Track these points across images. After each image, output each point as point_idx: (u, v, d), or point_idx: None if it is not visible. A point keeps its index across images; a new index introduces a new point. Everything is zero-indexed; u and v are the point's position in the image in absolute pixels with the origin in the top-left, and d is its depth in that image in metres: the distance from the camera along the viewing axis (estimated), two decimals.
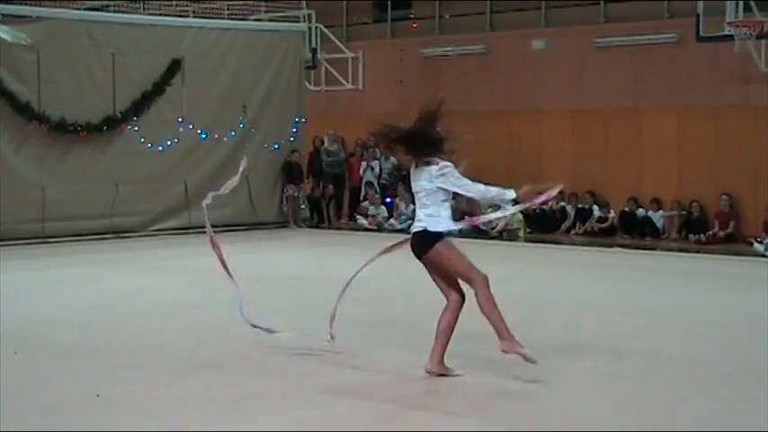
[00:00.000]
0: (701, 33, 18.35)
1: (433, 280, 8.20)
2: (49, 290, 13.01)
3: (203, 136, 19.81)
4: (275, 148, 20.30)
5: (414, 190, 8.32)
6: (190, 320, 10.82)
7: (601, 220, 19.47)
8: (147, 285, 13.42)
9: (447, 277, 8.11)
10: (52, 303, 11.93)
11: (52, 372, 8.56)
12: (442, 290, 8.16)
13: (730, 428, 6.88)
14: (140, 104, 19.15)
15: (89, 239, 18.20)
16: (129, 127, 19.04)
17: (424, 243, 8.04)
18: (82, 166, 18.56)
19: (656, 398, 7.64)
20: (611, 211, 19.44)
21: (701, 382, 8.18)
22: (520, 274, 14.79)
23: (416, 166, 8.18)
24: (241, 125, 20.24)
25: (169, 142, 19.46)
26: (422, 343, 8.52)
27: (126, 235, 18.87)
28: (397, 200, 21.31)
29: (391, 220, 20.87)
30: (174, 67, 19.51)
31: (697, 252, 17.43)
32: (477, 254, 17.11)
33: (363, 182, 21.82)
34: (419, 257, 8.13)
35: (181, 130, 19.56)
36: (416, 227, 8.17)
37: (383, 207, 21.15)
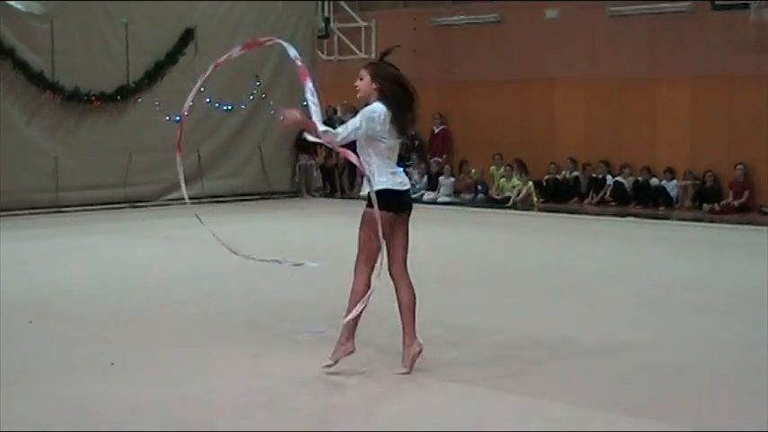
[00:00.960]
0: (717, 1, 18.24)
1: (388, 245, 7.40)
2: (62, 259, 13.06)
3: (216, 105, 19.81)
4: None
5: (393, 145, 7.51)
6: (203, 290, 10.86)
7: (618, 185, 19.40)
8: (160, 255, 13.47)
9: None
10: (66, 273, 11.99)
11: (67, 341, 8.61)
12: (390, 256, 7.46)
13: (742, 398, 6.89)
14: (154, 74, 19.16)
15: (103, 209, 18.26)
16: (142, 97, 19.03)
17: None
18: (95, 136, 18.59)
19: (664, 367, 7.66)
20: (629, 175, 19.39)
21: (714, 352, 8.18)
22: (533, 244, 14.81)
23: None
24: (251, 96, 20.23)
25: (186, 112, 19.42)
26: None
27: (139, 204, 18.93)
28: (410, 169, 21.29)
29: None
30: (188, 36, 19.50)
31: (711, 222, 17.41)
32: (491, 222, 17.27)
33: None
34: (402, 213, 7.41)
35: (194, 99, 19.53)
36: (407, 183, 7.56)
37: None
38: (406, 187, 7.46)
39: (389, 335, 8.32)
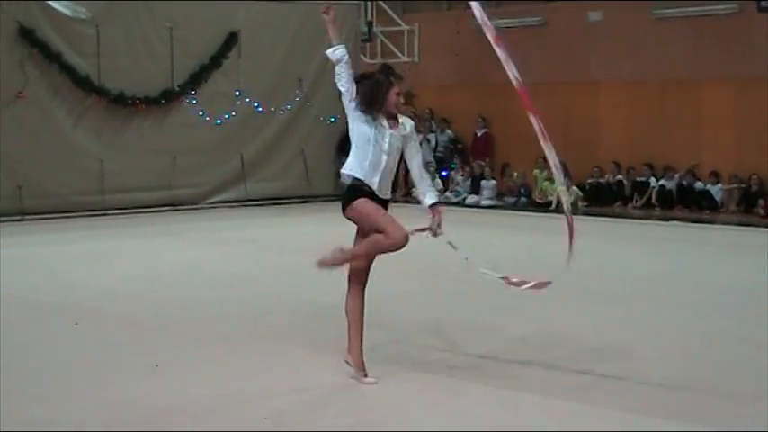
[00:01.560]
0: (763, 2, 18.07)
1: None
2: (108, 261, 13.17)
3: (259, 109, 19.90)
4: (332, 121, 20.33)
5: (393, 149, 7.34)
6: (246, 292, 10.90)
7: (661, 188, 19.26)
8: (204, 257, 13.54)
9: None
10: (111, 275, 12.08)
11: (112, 342, 8.68)
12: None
13: None
14: (198, 77, 19.27)
15: (147, 211, 18.38)
16: (187, 100, 19.17)
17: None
18: (140, 139, 18.73)
19: (706, 371, 7.60)
20: (674, 177, 19.22)
21: (760, 358, 8.12)
22: (575, 248, 14.71)
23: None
24: (296, 98, 20.31)
25: (226, 115, 19.57)
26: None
27: (183, 207, 19.04)
28: (452, 173, 21.29)
29: (447, 193, 20.86)
30: (231, 40, 19.60)
31: (756, 226, 17.24)
32: (533, 225, 17.21)
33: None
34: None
35: (237, 102, 19.66)
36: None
37: (438, 180, 21.14)
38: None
39: (440, 338, 8.32)
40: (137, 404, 6.83)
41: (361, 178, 7.20)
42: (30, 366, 7.85)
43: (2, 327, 9.31)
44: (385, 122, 7.35)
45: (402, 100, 7.46)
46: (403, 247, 7.07)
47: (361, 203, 7.16)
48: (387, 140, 7.29)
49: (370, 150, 7.25)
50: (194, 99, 19.21)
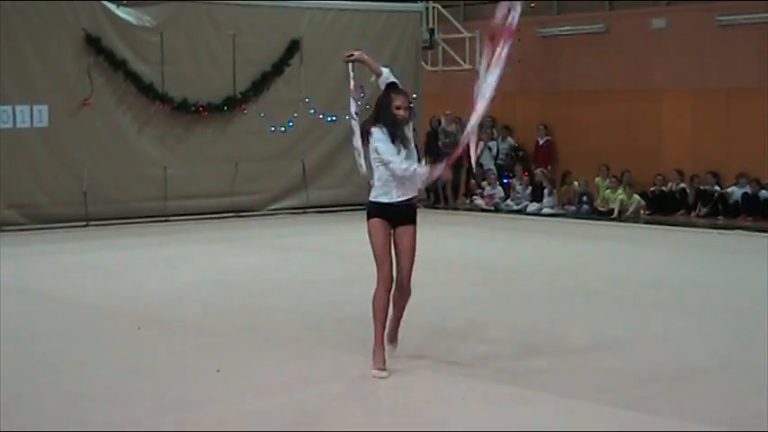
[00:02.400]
0: None
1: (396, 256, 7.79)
2: (170, 267, 13.29)
3: (321, 116, 19.96)
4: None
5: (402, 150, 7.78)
6: (308, 299, 10.94)
7: (726, 197, 19.00)
8: (265, 263, 13.62)
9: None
10: (174, 280, 12.19)
11: (174, 346, 8.76)
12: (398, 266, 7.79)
13: None
14: (260, 85, 19.38)
15: (209, 218, 18.51)
16: (249, 107, 19.27)
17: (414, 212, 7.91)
18: (203, 146, 18.88)
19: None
20: (740, 185, 18.93)
21: None
22: (638, 256, 14.62)
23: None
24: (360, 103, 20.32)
25: (288, 122, 19.66)
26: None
27: (245, 214, 19.15)
28: (513, 180, 21.20)
29: (508, 201, 20.78)
30: (293, 47, 19.69)
31: None
32: (595, 234, 17.09)
33: (479, 164, 21.80)
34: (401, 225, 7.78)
35: (299, 110, 19.74)
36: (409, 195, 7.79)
37: (500, 187, 21.09)
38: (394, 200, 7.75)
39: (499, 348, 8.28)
40: (197, 409, 6.88)
41: (377, 200, 7.78)
42: (91, 371, 7.94)
43: (66, 331, 9.44)
44: (396, 140, 7.76)
45: (402, 112, 7.79)
46: (388, 284, 7.61)
47: (373, 227, 7.77)
48: (401, 155, 7.72)
49: (382, 168, 7.74)
50: (256, 106, 19.30)
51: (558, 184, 20.78)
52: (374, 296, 7.69)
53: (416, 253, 7.78)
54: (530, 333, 9.21)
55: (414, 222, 7.81)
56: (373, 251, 7.69)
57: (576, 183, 20.60)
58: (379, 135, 7.74)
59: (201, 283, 11.92)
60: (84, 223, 17.47)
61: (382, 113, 7.80)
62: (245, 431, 6.46)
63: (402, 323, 7.95)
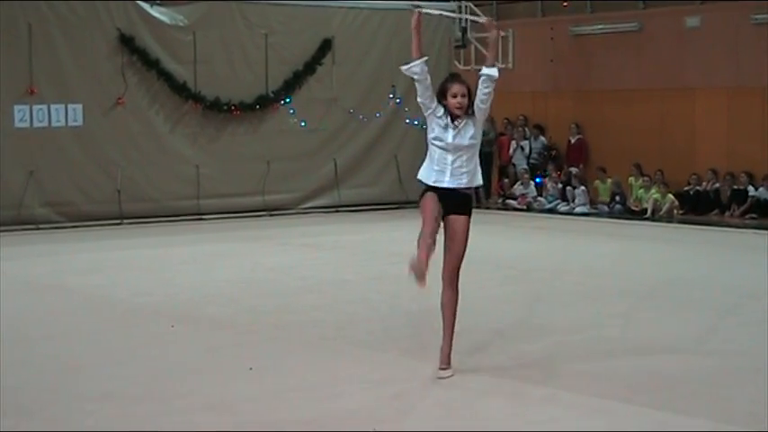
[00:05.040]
0: None
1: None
2: (203, 265, 13.34)
3: (361, 117, 19.97)
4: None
5: (456, 144, 7.60)
6: (340, 297, 10.95)
7: (756, 199, 18.86)
8: (297, 262, 13.64)
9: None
10: (207, 278, 12.23)
11: (207, 344, 8.79)
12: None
13: None
14: (292, 84, 19.42)
15: (241, 217, 18.57)
16: (282, 105, 19.31)
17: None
18: (235, 145, 18.94)
19: None
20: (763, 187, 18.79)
21: None
22: (671, 256, 14.55)
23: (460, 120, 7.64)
24: (397, 100, 20.32)
25: (320, 121, 19.68)
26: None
27: (277, 212, 19.20)
28: (546, 179, 21.15)
29: (540, 199, 20.74)
30: (325, 46, 19.71)
31: None
32: (628, 234, 17.01)
33: (512, 163, 21.77)
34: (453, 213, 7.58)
35: (331, 108, 19.76)
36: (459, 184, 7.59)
37: (532, 186, 21.03)
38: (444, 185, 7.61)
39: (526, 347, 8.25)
40: (229, 407, 6.90)
41: (432, 183, 7.56)
42: (125, 368, 7.98)
43: (100, 329, 9.50)
44: (449, 121, 7.63)
45: (459, 101, 7.64)
46: (429, 239, 7.31)
47: (426, 198, 7.55)
48: (450, 140, 7.57)
49: (436, 151, 7.60)
50: (289, 105, 19.34)
51: (591, 182, 20.69)
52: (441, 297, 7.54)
53: (465, 249, 7.58)
54: (562, 332, 9.18)
55: (467, 212, 7.62)
56: (422, 213, 7.50)
57: (599, 182, 20.44)
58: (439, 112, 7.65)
59: (234, 282, 11.96)
60: (118, 221, 17.58)
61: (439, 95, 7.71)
62: (276, 431, 6.47)
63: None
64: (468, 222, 7.59)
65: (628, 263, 13.75)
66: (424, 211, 7.49)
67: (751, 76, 19.57)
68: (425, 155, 7.77)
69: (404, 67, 7.92)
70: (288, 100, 19.25)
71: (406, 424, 6.59)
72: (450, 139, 7.58)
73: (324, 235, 16.56)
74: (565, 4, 22.57)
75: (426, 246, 7.29)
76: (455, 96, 7.62)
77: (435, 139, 7.64)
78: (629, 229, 17.73)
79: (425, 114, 7.75)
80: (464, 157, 7.58)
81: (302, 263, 13.56)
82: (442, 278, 7.58)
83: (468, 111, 7.65)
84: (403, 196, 20.27)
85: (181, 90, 18.26)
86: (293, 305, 10.53)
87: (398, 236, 14.94)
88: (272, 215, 19.06)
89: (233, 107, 18.74)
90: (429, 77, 7.75)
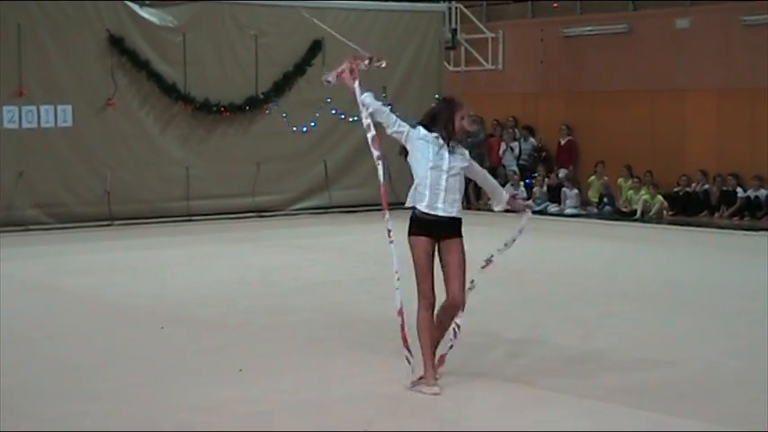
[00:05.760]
0: None
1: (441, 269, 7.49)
2: (193, 266, 13.32)
3: (343, 117, 19.96)
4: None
5: (444, 168, 7.41)
6: (331, 298, 10.94)
7: (750, 198, 18.88)
8: (288, 263, 13.62)
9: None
10: (197, 279, 12.21)
11: (198, 346, 8.78)
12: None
13: None
14: (282, 85, 19.40)
15: (231, 218, 18.54)
16: (271, 108, 19.28)
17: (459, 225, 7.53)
18: (225, 146, 18.91)
19: None
20: (761, 189, 18.81)
21: None
22: (661, 257, 14.57)
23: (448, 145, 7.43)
24: (388, 104, 20.29)
25: (311, 123, 19.66)
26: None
27: (267, 214, 19.18)
28: (535, 181, 21.16)
29: (529, 201, 20.71)
30: (315, 48, 19.68)
31: None
32: (618, 235, 17.03)
33: (502, 164, 21.78)
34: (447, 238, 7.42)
35: (321, 110, 19.74)
36: (451, 212, 7.42)
37: (522, 188, 21.04)
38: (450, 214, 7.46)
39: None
40: (219, 409, 6.89)
41: (423, 208, 7.44)
42: (114, 370, 7.96)
43: (90, 330, 9.48)
44: (442, 141, 7.46)
45: (466, 124, 7.59)
46: (429, 302, 7.30)
47: (415, 244, 7.42)
48: (446, 162, 7.42)
49: (428, 174, 7.42)
50: (278, 106, 19.31)
51: (584, 181, 20.69)
52: (417, 318, 7.38)
53: (465, 268, 7.45)
54: (553, 334, 9.18)
55: (460, 235, 7.45)
56: (415, 268, 7.36)
57: (595, 178, 20.46)
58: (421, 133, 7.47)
59: (224, 283, 11.94)
60: (107, 223, 17.54)
61: (442, 116, 7.50)
62: (267, 431, 6.45)
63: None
64: (463, 244, 7.47)
65: (619, 264, 13.77)
66: (417, 265, 7.35)
67: (740, 77, 19.61)
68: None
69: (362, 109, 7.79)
70: (274, 100, 19.21)
71: (397, 425, 6.58)
72: (446, 162, 7.41)
73: (314, 236, 16.54)
74: (555, 5, 22.60)
75: (428, 304, 7.30)
76: (463, 119, 7.51)
77: (426, 161, 7.43)
78: (619, 231, 17.76)
79: (403, 142, 7.56)
80: (457, 179, 7.44)
81: (293, 264, 13.54)
82: (443, 307, 7.43)
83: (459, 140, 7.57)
84: (393, 197, 20.23)
85: (171, 91, 18.22)
86: (284, 306, 10.52)
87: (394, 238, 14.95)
88: (262, 216, 19.04)
89: (223, 108, 18.70)
90: (379, 101, 7.62)
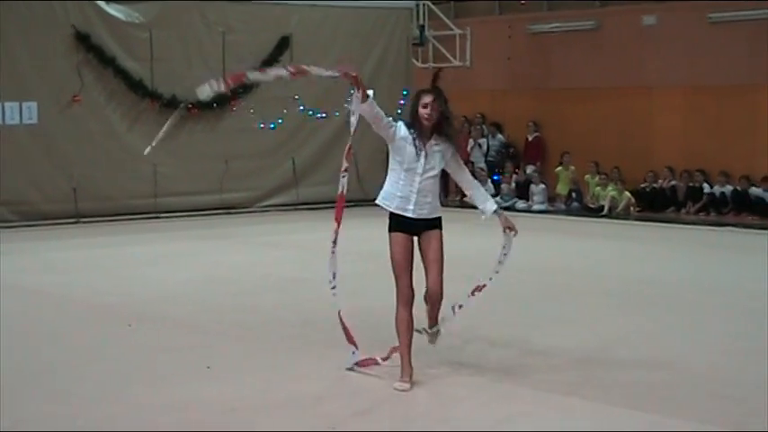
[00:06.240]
0: None
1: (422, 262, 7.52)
2: (161, 264, 13.26)
3: (311, 113, 19.94)
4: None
5: (418, 171, 7.39)
6: (299, 296, 10.92)
7: (716, 194, 19.01)
8: (257, 261, 13.59)
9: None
10: (164, 278, 12.16)
11: (165, 344, 8.74)
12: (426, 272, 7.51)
13: None
14: (250, 82, 19.32)
15: (199, 215, 18.48)
16: (240, 103, 19.22)
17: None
18: (193, 143, 18.83)
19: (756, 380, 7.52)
20: (726, 185, 18.95)
21: None
22: (628, 253, 14.63)
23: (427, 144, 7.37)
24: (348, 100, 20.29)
25: (280, 120, 19.61)
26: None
27: (235, 211, 19.13)
28: (503, 177, 21.21)
29: (497, 198, 20.78)
30: (283, 44, 19.65)
31: None
32: (586, 231, 17.09)
33: (470, 160, 21.81)
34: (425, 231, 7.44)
35: (289, 107, 19.69)
36: (421, 214, 7.42)
37: (490, 184, 21.08)
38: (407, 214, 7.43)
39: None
40: (188, 407, 6.86)
41: (393, 209, 7.38)
42: (82, 369, 7.91)
43: (57, 329, 9.41)
44: (418, 141, 7.38)
45: (428, 111, 7.36)
46: (408, 300, 7.31)
47: (393, 240, 7.40)
48: (420, 165, 7.36)
49: (402, 174, 7.38)
50: (246, 103, 19.26)
51: (550, 174, 20.75)
52: (396, 314, 7.38)
53: (443, 257, 7.48)
54: (521, 331, 9.21)
55: (439, 227, 7.47)
56: (392, 264, 7.36)
57: (562, 168, 20.53)
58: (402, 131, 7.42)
59: (192, 281, 11.90)
60: (74, 220, 17.44)
61: (412, 112, 7.42)
62: (236, 431, 6.43)
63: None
64: (441, 235, 7.48)
65: (585, 261, 13.82)
66: (395, 261, 7.33)
67: (707, 74, 19.73)
68: (385, 154, 7.69)
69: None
70: (240, 96, 19.16)
71: (367, 423, 6.57)
72: (421, 165, 7.36)
73: (283, 233, 16.51)
74: (522, 2, 22.64)
75: (405, 300, 7.30)
76: (425, 107, 7.35)
77: (402, 163, 7.39)
78: (587, 227, 17.83)
79: (389, 141, 7.47)
80: (430, 182, 7.40)
81: (261, 261, 13.51)
82: (425, 299, 7.53)
83: (441, 132, 7.43)
84: (361, 194, 20.24)
85: (138, 88, 18.13)
86: (252, 304, 10.49)
87: (357, 234, 14.88)
88: (230, 213, 18.99)
89: (190, 105, 18.63)
90: (375, 106, 7.43)
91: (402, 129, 7.44)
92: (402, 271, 7.31)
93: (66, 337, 9.07)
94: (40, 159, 17.36)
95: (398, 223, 7.41)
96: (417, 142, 7.35)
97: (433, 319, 7.68)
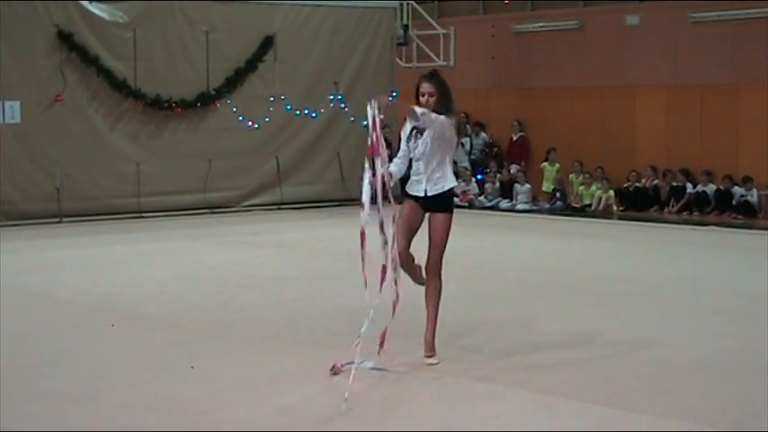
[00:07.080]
0: None
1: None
2: (144, 263, 13.24)
3: (297, 112, 19.92)
4: (365, 125, 20.25)
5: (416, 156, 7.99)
6: (282, 295, 10.92)
7: (699, 194, 19.08)
8: (240, 260, 13.58)
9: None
10: (148, 277, 12.14)
11: (148, 344, 8.72)
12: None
13: None
14: (233, 81, 19.31)
15: (183, 214, 18.45)
16: (223, 102, 19.19)
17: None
18: (176, 142, 18.80)
19: (749, 382, 7.53)
20: (710, 184, 19.04)
21: None
22: (611, 252, 14.68)
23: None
24: (332, 102, 20.29)
25: (265, 119, 19.59)
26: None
27: (219, 210, 19.11)
28: (487, 176, 21.23)
29: (481, 198, 20.81)
30: (267, 43, 19.63)
31: None
32: (569, 230, 17.13)
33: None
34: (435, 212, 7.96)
35: (273, 106, 19.69)
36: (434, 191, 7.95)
37: (474, 183, 21.11)
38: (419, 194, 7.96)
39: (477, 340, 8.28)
40: (171, 407, 6.85)
41: (408, 191, 7.98)
42: (65, 368, 7.89)
43: (40, 328, 9.39)
44: (414, 131, 8.07)
45: (425, 99, 7.96)
46: (397, 259, 7.57)
47: (403, 204, 7.95)
48: (412, 150, 7.99)
49: (413, 165, 7.99)
50: (230, 102, 19.24)
51: (536, 173, 20.79)
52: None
53: (446, 242, 7.91)
54: (504, 329, 9.22)
55: (447, 210, 7.92)
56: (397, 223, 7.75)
57: (547, 164, 20.57)
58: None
59: (176, 280, 11.88)
60: (57, 220, 17.39)
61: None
62: (218, 430, 6.43)
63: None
64: (450, 219, 7.93)
65: (569, 259, 13.85)
66: (399, 219, 7.75)
67: (689, 74, 19.81)
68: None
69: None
70: (225, 95, 19.14)
71: (347, 422, 6.57)
72: (418, 148, 7.93)
73: (266, 233, 16.50)
74: (506, 2, 22.68)
75: (396, 265, 7.55)
76: (422, 95, 7.95)
77: (409, 150, 7.96)
78: (570, 226, 17.87)
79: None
80: (434, 164, 7.89)
81: (244, 261, 13.50)
82: (426, 270, 7.94)
83: (440, 113, 7.87)
84: (345, 194, 20.26)
85: (121, 87, 18.09)
86: (235, 303, 10.48)
87: (341, 233, 14.93)
88: (213, 213, 18.97)
89: (174, 104, 18.60)
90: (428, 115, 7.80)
91: (407, 128, 8.09)
92: (399, 234, 7.70)
93: (48, 336, 9.05)
94: (22, 159, 17.31)
95: (411, 198, 7.96)
96: (412, 132, 7.98)
97: (431, 331, 7.97)
